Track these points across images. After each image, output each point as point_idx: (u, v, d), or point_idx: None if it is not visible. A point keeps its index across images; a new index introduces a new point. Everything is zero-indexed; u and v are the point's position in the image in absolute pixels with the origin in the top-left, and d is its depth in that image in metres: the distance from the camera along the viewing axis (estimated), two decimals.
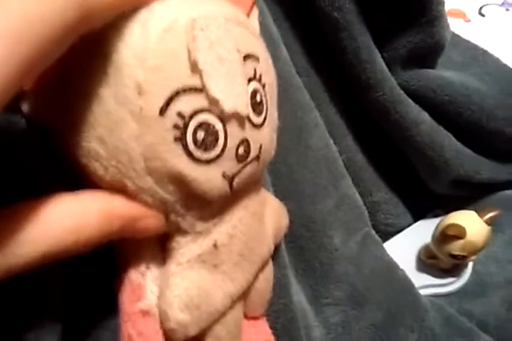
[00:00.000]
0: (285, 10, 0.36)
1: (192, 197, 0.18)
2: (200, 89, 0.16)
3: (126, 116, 0.16)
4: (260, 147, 0.20)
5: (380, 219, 0.42)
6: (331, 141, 0.37)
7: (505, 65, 0.43)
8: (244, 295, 0.23)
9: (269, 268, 0.25)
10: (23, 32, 0.12)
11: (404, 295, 0.36)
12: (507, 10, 0.59)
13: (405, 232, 0.43)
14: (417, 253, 0.42)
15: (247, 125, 0.18)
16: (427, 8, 0.35)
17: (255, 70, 0.19)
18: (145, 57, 0.16)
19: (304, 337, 0.30)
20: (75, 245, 0.16)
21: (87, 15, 0.13)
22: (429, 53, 0.38)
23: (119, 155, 0.16)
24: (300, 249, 0.34)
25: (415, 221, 0.44)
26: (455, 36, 0.45)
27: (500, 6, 0.60)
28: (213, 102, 0.17)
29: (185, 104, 0.16)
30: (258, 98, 0.19)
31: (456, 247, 0.36)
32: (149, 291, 0.20)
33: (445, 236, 0.36)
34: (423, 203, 0.44)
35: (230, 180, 0.19)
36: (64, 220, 0.16)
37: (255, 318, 0.25)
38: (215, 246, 0.20)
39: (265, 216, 0.24)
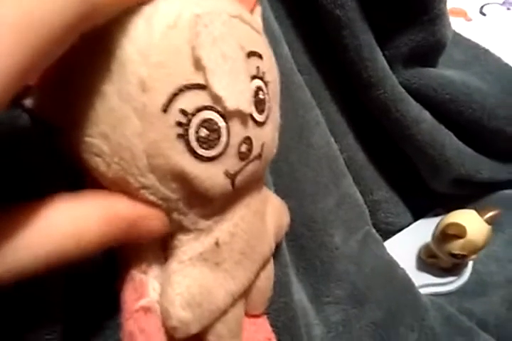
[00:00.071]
0: (287, 7, 0.36)
1: (194, 194, 0.18)
2: (204, 86, 0.16)
3: (130, 113, 0.16)
4: (262, 145, 0.19)
5: (380, 218, 0.42)
6: (332, 140, 0.37)
7: (506, 64, 0.43)
8: (245, 294, 0.23)
9: (270, 267, 0.25)
10: (29, 25, 0.12)
11: (404, 294, 0.36)
12: (508, 9, 0.59)
13: (405, 231, 0.43)
14: (417, 252, 0.42)
15: (250, 123, 0.18)
16: (428, 6, 0.35)
17: (258, 68, 0.19)
18: (149, 53, 0.16)
19: (305, 335, 0.30)
20: (76, 251, 0.15)
21: (91, 10, 0.13)
22: (430, 52, 0.38)
23: (122, 151, 0.16)
24: (301, 247, 0.34)
25: (415, 220, 0.44)
26: (456, 35, 0.45)
27: (501, 5, 0.60)
28: (216, 99, 0.17)
29: (189, 101, 0.16)
30: (261, 96, 0.19)
31: (456, 246, 0.36)
32: (151, 289, 0.20)
33: (445, 236, 0.36)
34: (423, 202, 0.44)
35: (232, 177, 0.19)
36: (63, 225, 0.15)
37: (256, 316, 0.25)
38: (216, 244, 0.20)
39: (267, 214, 0.24)
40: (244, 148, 0.18)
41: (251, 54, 0.18)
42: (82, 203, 0.16)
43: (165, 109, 0.16)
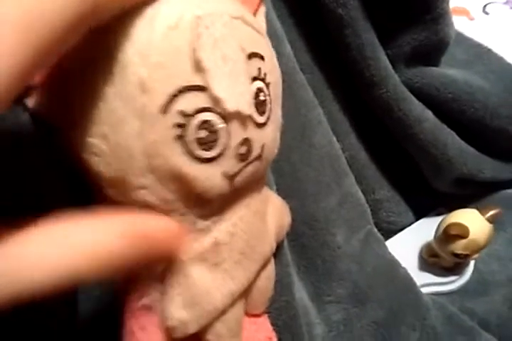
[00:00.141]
0: (289, 6, 0.36)
1: (193, 195, 0.18)
2: (203, 88, 0.16)
3: (129, 114, 0.16)
4: (263, 146, 0.19)
5: (382, 217, 0.42)
6: (334, 139, 0.37)
7: (509, 64, 0.43)
8: (245, 293, 0.23)
9: (271, 267, 0.25)
10: (30, 25, 0.12)
11: (406, 294, 0.36)
12: (511, 8, 0.59)
13: (407, 230, 0.43)
14: (419, 251, 0.42)
15: (250, 124, 0.18)
16: (431, 5, 0.35)
17: (260, 69, 0.18)
18: (149, 54, 0.16)
19: (306, 334, 0.30)
20: (93, 272, 0.14)
21: (92, 8, 0.13)
22: (433, 51, 0.38)
23: (121, 152, 0.16)
24: (302, 246, 0.34)
25: (417, 219, 0.44)
26: (459, 34, 0.45)
27: (505, 4, 0.60)
28: (216, 101, 0.17)
29: (188, 103, 0.16)
30: (262, 97, 0.19)
31: (458, 246, 0.36)
32: (152, 287, 0.20)
33: (448, 236, 0.36)
34: (425, 201, 0.44)
35: (231, 179, 0.19)
36: (80, 244, 0.14)
37: (256, 315, 0.25)
38: (215, 244, 0.20)
39: (267, 214, 0.24)
40: (243, 149, 0.18)
41: (252, 55, 0.18)
42: (100, 219, 0.15)
43: (164, 110, 0.16)
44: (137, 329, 0.19)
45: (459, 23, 0.41)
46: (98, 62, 0.16)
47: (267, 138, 0.20)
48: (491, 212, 0.36)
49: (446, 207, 0.43)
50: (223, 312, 0.21)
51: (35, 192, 0.15)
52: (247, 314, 0.24)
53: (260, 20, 0.22)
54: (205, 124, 0.17)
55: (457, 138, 0.39)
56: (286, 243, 0.31)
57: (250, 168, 0.19)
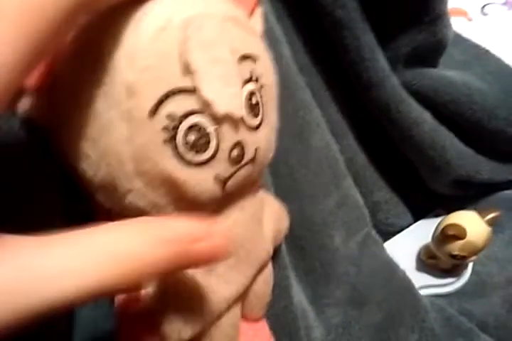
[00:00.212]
0: (288, 7, 0.36)
1: (184, 199, 0.18)
2: (193, 91, 0.16)
3: (116, 118, 0.16)
4: (256, 149, 0.19)
5: (380, 219, 0.42)
6: (333, 140, 0.36)
7: (507, 65, 0.43)
8: (241, 298, 0.23)
9: (269, 271, 0.25)
10: (28, 14, 0.12)
11: (404, 296, 0.36)
12: (509, 9, 0.59)
13: (406, 232, 0.43)
14: (417, 253, 0.42)
15: (242, 127, 0.18)
16: (429, 7, 0.35)
17: (252, 71, 0.18)
18: (136, 58, 0.15)
19: (305, 337, 0.30)
20: (125, 281, 0.14)
21: None
22: (431, 52, 0.38)
23: (109, 156, 0.16)
24: (301, 249, 0.34)
25: (416, 221, 0.44)
26: (457, 35, 0.45)
27: (503, 5, 0.60)
28: (205, 104, 0.16)
29: (176, 106, 0.16)
30: (254, 100, 0.18)
31: (456, 247, 0.36)
32: (146, 293, 0.19)
33: (445, 237, 0.36)
34: (424, 203, 0.44)
35: (223, 182, 0.18)
36: (111, 252, 0.14)
37: (254, 320, 0.25)
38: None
39: (263, 218, 0.24)
40: (235, 152, 0.18)
41: (244, 57, 0.18)
42: (130, 227, 0.15)
43: (152, 114, 0.16)
44: (131, 336, 0.19)
45: (457, 24, 0.41)
46: (88, 65, 0.16)
47: (261, 141, 0.19)
48: (491, 215, 0.36)
49: (445, 208, 0.43)
50: (218, 317, 0.21)
51: (27, 200, 0.15)
52: (245, 319, 0.24)
53: (256, 21, 0.22)
54: (194, 128, 0.16)
55: (455, 139, 0.39)
56: (284, 246, 0.31)
57: (243, 172, 0.19)
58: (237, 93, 0.17)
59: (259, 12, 0.22)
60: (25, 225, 0.14)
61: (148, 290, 0.19)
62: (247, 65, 0.18)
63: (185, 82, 0.16)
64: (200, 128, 0.17)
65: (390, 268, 0.37)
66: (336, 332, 0.34)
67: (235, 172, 0.18)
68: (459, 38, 0.45)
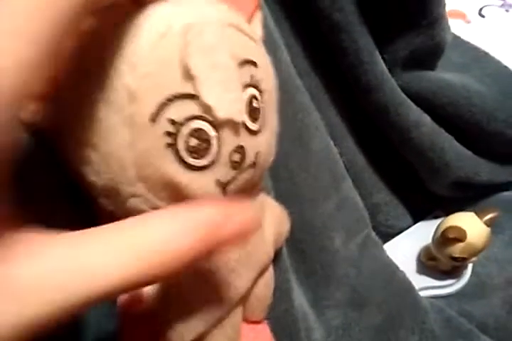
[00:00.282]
0: (285, 10, 0.36)
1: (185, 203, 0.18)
2: (193, 96, 0.16)
3: (118, 123, 0.16)
4: (257, 154, 0.19)
5: (380, 221, 0.42)
6: (332, 143, 0.37)
7: (505, 67, 0.43)
8: (243, 301, 0.23)
9: (269, 274, 0.25)
10: (40, 8, 0.12)
11: (404, 297, 0.36)
12: (507, 11, 0.60)
13: (405, 234, 0.44)
14: (417, 254, 0.42)
15: (243, 132, 0.18)
16: (427, 10, 0.35)
17: (252, 76, 0.18)
18: (137, 64, 0.16)
19: (305, 339, 0.30)
20: (165, 268, 0.14)
21: None
22: (429, 55, 0.38)
23: (112, 161, 0.16)
24: (301, 251, 0.34)
25: (415, 222, 0.44)
26: (456, 37, 0.45)
27: (500, 7, 0.60)
28: (206, 109, 0.16)
29: (178, 111, 0.16)
30: (255, 104, 0.19)
31: (456, 250, 0.36)
32: (148, 294, 0.20)
33: (445, 239, 0.36)
34: (423, 204, 0.44)
35: (224, 186, 0.18)
36: (147, 243, 0.14)
37: (256, 322, 0.25)
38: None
39: (264, 221, 0.24)
40: (236, 157, 0.18)
41: (244, 62, 0.18)
42: (162, 216, 0.15)
43: (154, 119, 0.16)
44: (133, 336, 0.19)
45: (455, 26, 0.41)
46: (90, 72, 0.16)
47: (262, 145, 0.20)
48: (489, 216, 0.37)
49: (444, 210, 0.43)
50: (220, 319, 0.21)
51: (32, 202, 0.15)
52: (246, 321, 0.24)
53: (255, 26, 0.22)
54: (195, 132, 0.17)
55: (454, 141, 0.39)
56: (284, 249, 0.31)
57: (244, 176, 0.19)
58: (237, 98, 0.18)
59: (258, 17, 0.22)
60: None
61: (150, 291, 0.19)
62: (248, 70, 0.18)
63: (186, 88, 0.16)
64: (201, 133, 0.17)
65: (390, 269, 0.37)
66: (336, 334, 0.34)
67: (235, 177, 0.19)
68: (457, 40, 0.45)
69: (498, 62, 0.44)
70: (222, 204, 0.16)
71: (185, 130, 0.16)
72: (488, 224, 0.37)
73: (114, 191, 0.17)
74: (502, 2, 0.60)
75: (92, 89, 0.16)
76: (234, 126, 0.18)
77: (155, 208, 0.18)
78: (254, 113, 0.19)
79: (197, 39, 0.16)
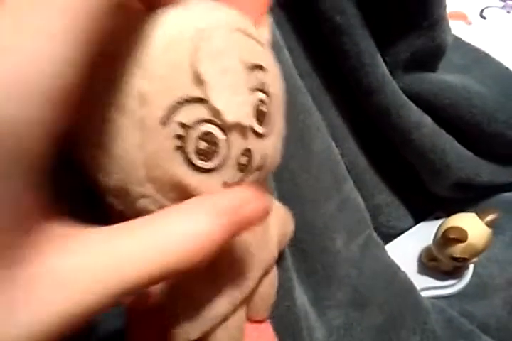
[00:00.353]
0: (287, 12, 0.36)
1: None
2: (203, 100, 0.16)
3: (129, 125, 0.16)
4: (264, 156, 0.19)
5: (381, 222, 0.42)
6: (333, 144, 0.37)
7: (506, 69, 0.44)
8: (247, 300, 0.23)
9: (274, 274, 0.25)
10: (75, 6, 0.12)
11: (405, 298, 0.37)
12: (508, 12, 0.60)
13: (407, 234, 0.44)
14: (419, 255, 0.42)
15: (251, 135, 0.18)
16: (428, 12, 0.35)
17: (260, 80, 0.19)
18: (149, 68, 0.16)
19: (307, 338, 0.31)
20: (193, 259, 0.15)
21: None
22: (430, 57, 0.38)
23: (122, 162, 0.17)
24: (302, 251, 0.34)
25: (416, 223, 0.45)
26: (457, 39, 0.45)
27: (502, 8, 0.60)
28: (215, 113, 0.17)
29: (187, 114, 0.16)
30: (263, 108, 0.19)
31: (457, 250, 0.37)
32: (155, 292, 0.20)
33: (446, 240, 0.37)
34: (424, 205, 0.45)
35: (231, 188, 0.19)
36: (173, 233, 0.15)
37: (259, 321, 0.25)
38: (215, 251, 0.20)
39: (269, 222, 0.24)
40: (243, 159, 0.18)
41: (253, 67, 0.18)
42: (185, 208, 0.16)
43: (164, 122, 0.16)
44: (140, 334, 0.19)
45: (457, 28, 0.41)
46: (101, 74, 0.16)
47: (269, 148, 0.20)
48: (490, 216, 0.37)
49: (445, 210, 0.44)
50: (225, 319, 0.21)
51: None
52: (250, 320, 0.24)
53: (263, 31, 0.22)
54: (205, 135, 0.17)
55: (455, 143, 0.40)
56: (286, 248, 0.31)
57: (251, 178, 0.19)
58: (245, 102, 0.18)
59: (266, 22, 0.23)
60: None
61: (157, 288, 0.20)
62: (256, 75, 0.18)
63: (196, 92, 0.16)
64: (210, 136, 0.17)
65: (391, 270, 0.37)
66: (338, 334, 0.34)
67: (242, 179, 0.19)
68: (458, 41, 0.46)
69: (499, 64, 0.44)
70: (238, 190, 0.17)
71: (194, 133, 0.17)
72: (489, 224, 0.37)
73: (123, 191, 0.17)
74: (503, 3, 0.61)
75: (104, 92, 0.16)
76: (242, 129, 0.18)
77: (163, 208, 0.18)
78: (261, 117, 0.19)
79: (207, 44, 0.17)
